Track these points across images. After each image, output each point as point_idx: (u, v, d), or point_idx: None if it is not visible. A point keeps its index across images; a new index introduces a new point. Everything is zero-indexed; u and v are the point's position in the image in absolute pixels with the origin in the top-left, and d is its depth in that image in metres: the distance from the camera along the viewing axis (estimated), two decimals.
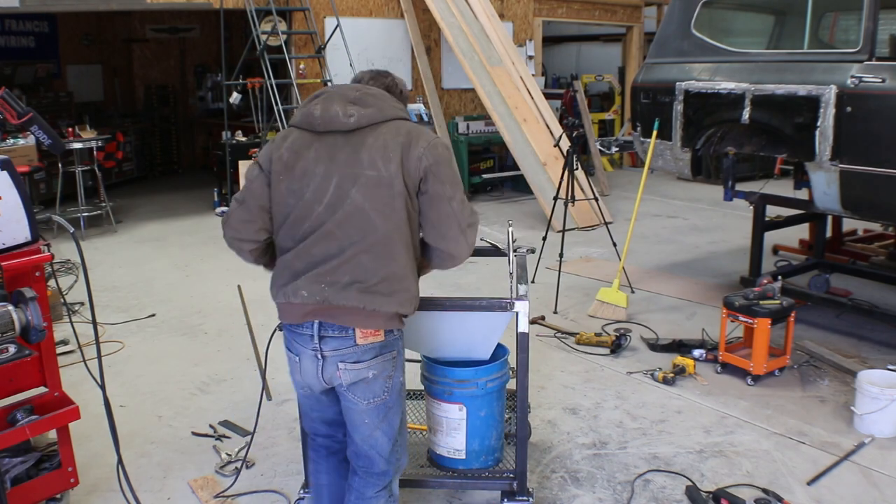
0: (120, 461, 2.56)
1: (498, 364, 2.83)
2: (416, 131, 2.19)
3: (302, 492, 2.79)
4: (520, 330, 2.56)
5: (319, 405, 2.37)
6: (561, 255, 5.58)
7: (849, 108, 4.13)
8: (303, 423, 2.52)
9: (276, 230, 2.23)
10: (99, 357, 2.51)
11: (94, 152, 7.95)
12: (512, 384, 2.96)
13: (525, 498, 2.70)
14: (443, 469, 2.88)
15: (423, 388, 2.93)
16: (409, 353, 4.18)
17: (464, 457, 2.83)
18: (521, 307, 2.53)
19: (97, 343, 2.52)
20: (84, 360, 2.74)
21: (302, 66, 8.85)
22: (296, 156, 2.17)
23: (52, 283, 3.55)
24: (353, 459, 2.35)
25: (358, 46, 8.86)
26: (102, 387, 2.51)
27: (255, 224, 2.24)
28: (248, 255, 2.33)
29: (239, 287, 4.24)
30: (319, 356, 2.17)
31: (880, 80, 4.03)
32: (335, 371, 2.18)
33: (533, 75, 9.69)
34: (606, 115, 12.66)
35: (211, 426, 3.62)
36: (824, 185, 4.37)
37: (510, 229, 2.89)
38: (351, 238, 2.11)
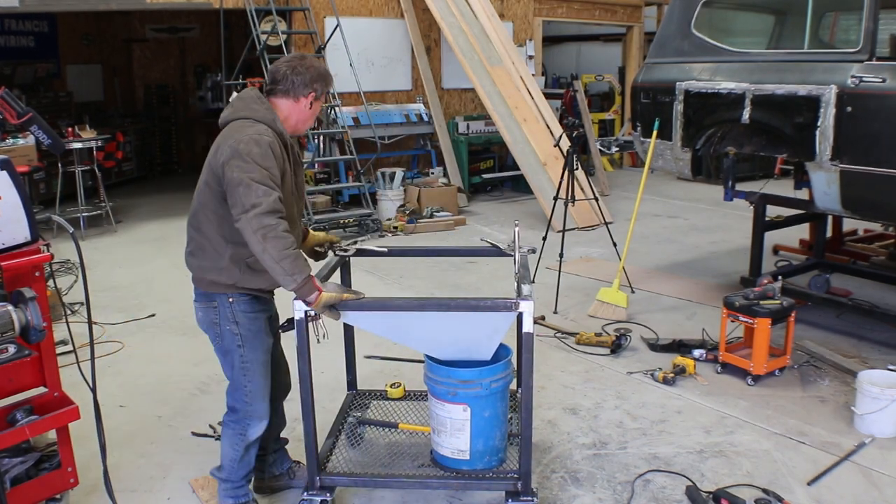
0: (105, 460, 2.58)
1: (502, 364, 2.82)
2: (236, 129, 2.51)
3: (305, 493, 2.79)
4: (525, 330, 2.55)
5: None
6: (561, 255, 5.58)
7: (849, 108, 4.13)
8: None
9: None
10: (92, 359, 2.51)
11: (94, 152, 7.95)
12: (512, 384, 2.97)
13: (530, 498, 2.69)
14: (446, 469, 2.87)
15: (426, 388, 2.93)
16: (412, 353, 4.21)
17: (468, 457, 2.82)
18: (526, 307, 2.52)
19: (91, 345, 2.52)
20: (77, 362, 2.74)
21: None
22: None
23: (51, 283, 3.55)
24: None
25: (358, 46, 8.86)
26: (94, 390, 2.51)
27: None
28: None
29: None
30: None
31: (880, 80, 4.03)
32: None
33: (533, 75, 9.69)
34: (606, 115, 12.67)
35: (211, 426, 3.61)
36: (824, 185, 4.37)
37: (516, 229, 2.89)
38: (190, 213, 2.65)
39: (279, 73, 2.58)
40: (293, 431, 3.54)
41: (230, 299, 2.60)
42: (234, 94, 8.22)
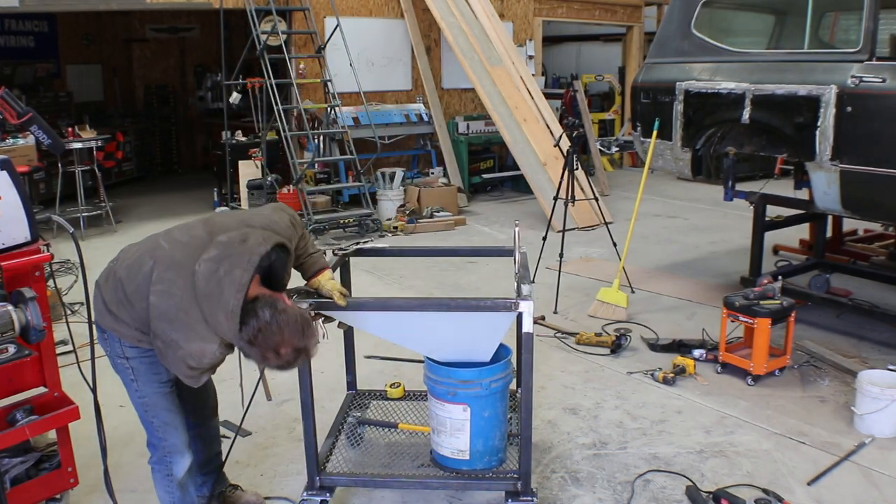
0: (105, 460, 2.58)
1: (502, 364, 2.82)
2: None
3: (305, 493, 2.79)
4: (524, 330, 2.55)
5: None
6: (561, 255, 5.57)
7: (849, 108, 4.13)
8: None
9: None
10: (93, 359, 2.50)
11: (94, 152, 7.94)
12: (512, 384, 2.96)
13: (529, 498, 2.69)
14: (446, 469, 2.87)
15: (426, 388, 2.93)
16: (412, 353, 4.21)
17: (468, 457, 2.82)
18: (526, 307, 2.52)
19: (91, 345, 2.51)
20: (78, 362, 2.74)
21: (302, 65, 8.84)
22: None
23: (51, 283, 3.55)
24: None
25: (358, 46, 8.85)
26: (94, 390, 2.50)
27: None
28: None
29: None
30: None
31: (880, 80, 4.03)
32: None
33: (533, 75, 9.69)
34: (606, 115, 12.66)
35: None
36: (824, 185, 4.37)
37: (516, 229, 2.89)
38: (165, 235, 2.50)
39: (258, 319, 2.20)
40: (293, 431, 3.55)
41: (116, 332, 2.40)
42: (234, 93, 8.24)
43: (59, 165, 7.63)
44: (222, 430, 3.56)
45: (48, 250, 2.64)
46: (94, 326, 2.46)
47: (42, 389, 2.71)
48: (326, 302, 2.60)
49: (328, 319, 2.69)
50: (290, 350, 2.21)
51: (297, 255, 2.61)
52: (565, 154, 5.93)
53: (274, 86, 7.71)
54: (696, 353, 4.33)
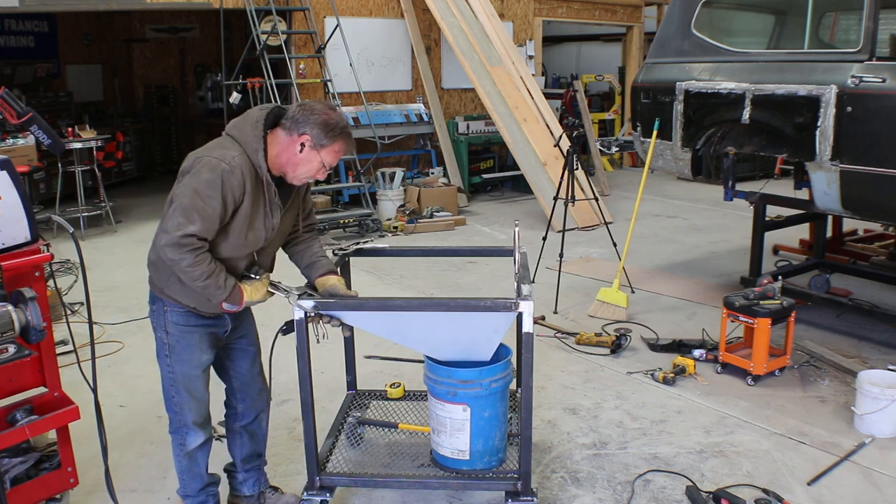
0: (106, 460, 2.58)
1: (502, 364, 2.82)
2: (215, 145, 2.44)
3: (305, 494, 2.79)
4: (524, 330, 2.55)
5: None
6: (561, 255, 5.58)
7: (849, 108, 4.13)
8: None
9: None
10: (93, 359, 2.50)
11: (94, 152, 7.95)
12: (512, 384, 2.96)
13: (530, 498, 2.69)
14: (446, 470, 2.87)
15: (426, 388, 2.93)
16: (412, 353, 4.21)
17: (468, 457, 2.82)
18: (526, 307, 2.52)
19: (91, 345, 2.51)
20: (78, 362, 2.74)
21: (302, 65, 8.84)
22: None
23: (51, 283, 3.54)
24: None
25: (358, 46, 8.86)
26: (94, 390, 2.50)
27: None
28: None
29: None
30: None
31: (881, 80, 4.03)
32: None
33: (533, 75, 9.69)
34: (606, 115, 12.67)
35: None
36: (825, 185, 4.37)
37: (516, 229, 2.89)
38: None
39: (293, 107, 2.47)
40: (293, 432, 3.55)
41: (165, 307, 2.53)
42: (234, 93, 8.25)
43: (59, 165, 7.64)
44: (221, 430, 3.57)
45: (48, 250, 2.64)
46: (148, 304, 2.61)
47: (42, 389, 2.72)
48: (329, 302, 2.60)
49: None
50: (333, 115, 2.42)
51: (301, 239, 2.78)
52: (565, 154, 5.94)
53: (274, 86, 7.71)
54: (696, 353, 4.33)
